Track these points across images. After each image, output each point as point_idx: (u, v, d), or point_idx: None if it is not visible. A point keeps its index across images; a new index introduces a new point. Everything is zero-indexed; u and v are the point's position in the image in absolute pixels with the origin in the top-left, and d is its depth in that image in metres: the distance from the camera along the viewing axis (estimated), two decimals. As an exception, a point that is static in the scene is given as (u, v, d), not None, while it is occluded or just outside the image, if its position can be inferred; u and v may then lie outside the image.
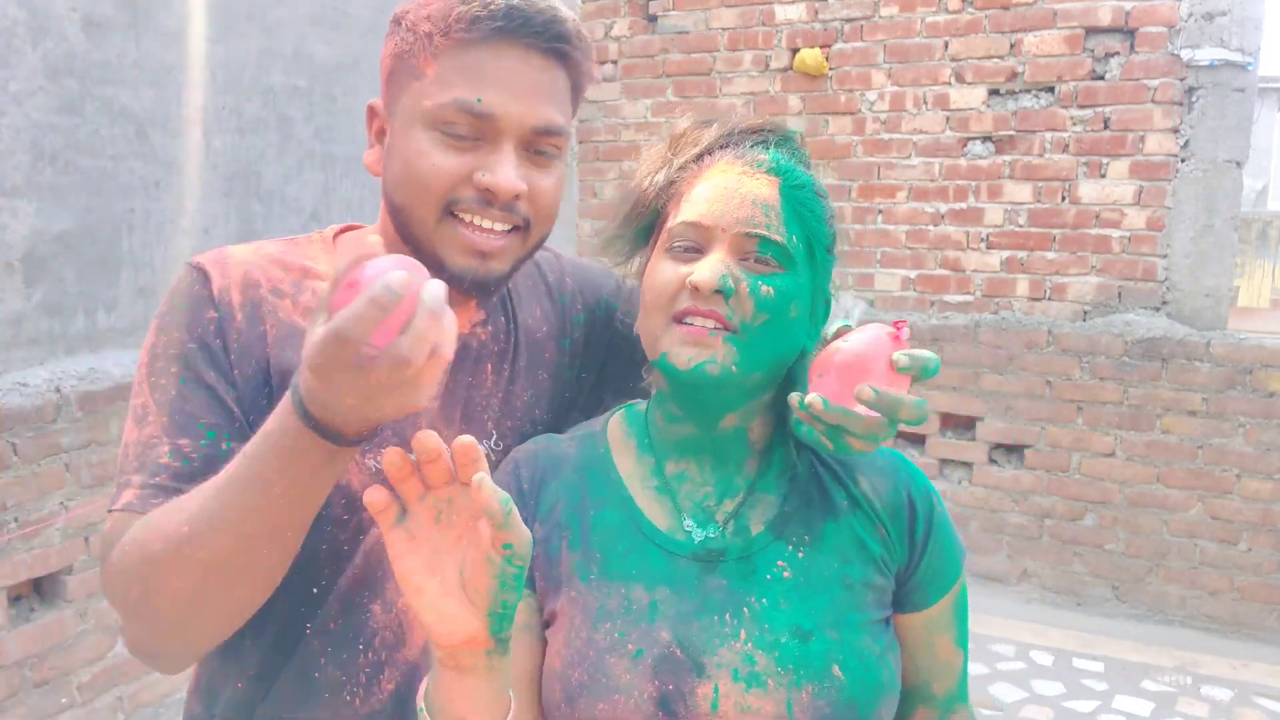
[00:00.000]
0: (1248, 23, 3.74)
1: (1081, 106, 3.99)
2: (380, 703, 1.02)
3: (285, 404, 0.79)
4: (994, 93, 4.14)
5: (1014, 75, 4.09)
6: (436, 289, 0.73)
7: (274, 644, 1.01)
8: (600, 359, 1.18)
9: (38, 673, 2.52)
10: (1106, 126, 3.97)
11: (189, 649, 0.94)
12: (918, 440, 4.30)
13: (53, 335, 2.60)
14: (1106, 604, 4.02)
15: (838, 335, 0.90)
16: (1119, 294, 4.00)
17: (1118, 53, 3.92)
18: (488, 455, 1.02)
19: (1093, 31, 3.95)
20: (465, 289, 0.98)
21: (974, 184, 4.22)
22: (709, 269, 0.87)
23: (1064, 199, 4.06)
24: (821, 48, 4.40)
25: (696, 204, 0.91)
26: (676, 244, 0.92)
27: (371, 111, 1.03)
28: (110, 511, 0.93)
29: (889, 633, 0.95)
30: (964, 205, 4.24)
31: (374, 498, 0.74)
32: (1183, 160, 3.86)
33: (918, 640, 0.99)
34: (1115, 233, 3.98)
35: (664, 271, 0.91)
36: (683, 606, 0.90)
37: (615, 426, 1.03)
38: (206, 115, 2.99)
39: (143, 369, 0.97)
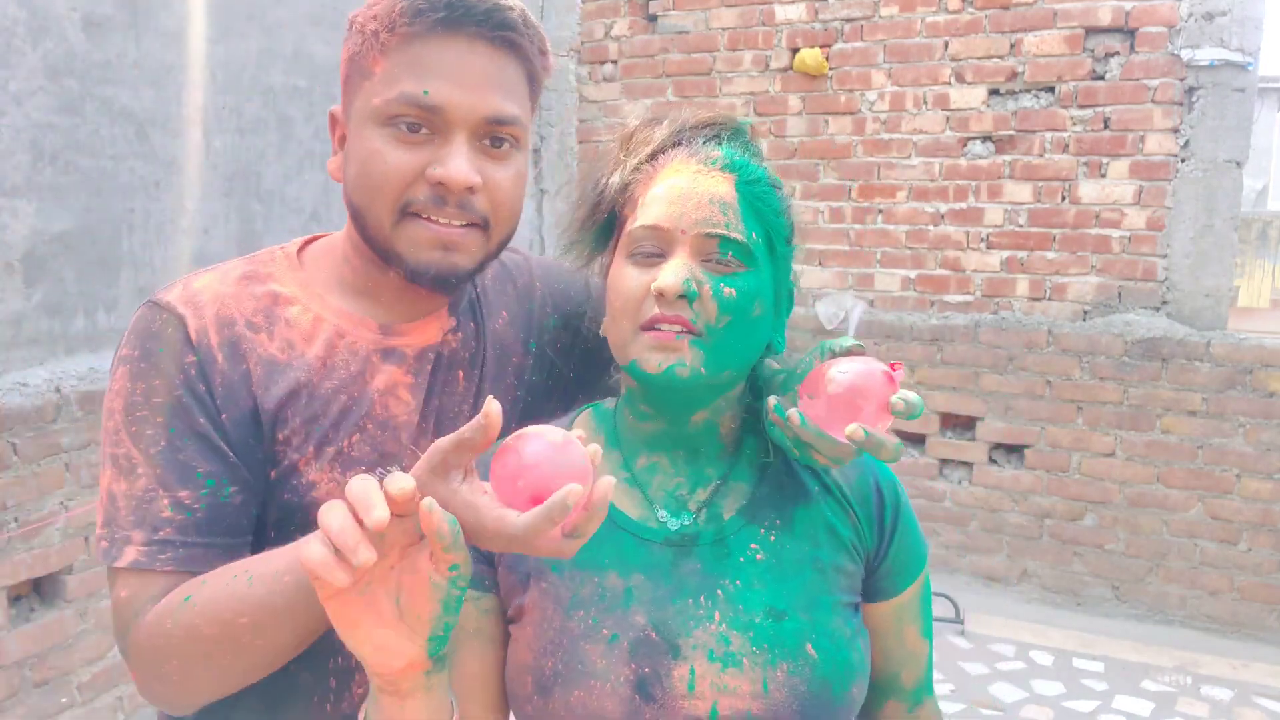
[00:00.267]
0: (1248, 23, 3.73)
1: (1081, 106, 3.99)
2: (351, 708, 1.02)
3: None
4: (994, 93, 4.14)
5: (1014, 75, 4.09)
6: (607, 488, 0.74)
7: None
8: (573, 360, 1.18)
9: (38, 672, 2.52)
10: (1106, 126, 3.96)
11: (210, 701, 0.94)
12: (918, 440, 4.31)
13: (53, 335, 2.60)
14: (1106, 604, 4.02)
15: (842, 352, 0.90)
16: (1119, 294, 4.00)
17: (1118, 53, 3.91)
18: None
19: (1093, 31, 3.95)
20: (429, 284, 0.97)
21: (974, 184, 4.22)
22: (672, 274, 0.87)
23: (1064, 199, 4.06)
24: (821, 48, 4.40)
25: (654, 206, 0.91)
26: (638, 249, 0.91)
27: (333, 119, 1.03)
28: (114, 569, 0.92)
29: (858, 618, 0.97)
30: (964, 205, 4.24)
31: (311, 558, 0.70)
32: (1183, 160, 3.86)
33: (888, 629, 1.01)
34: (1115, 233, 3.98)
35: (628, 278, 0.91)
36: (658, 591, 0.91)
37: (582, 424, 1.03)
38: (206, 115, 2.99)
39: (118, 416, 0.95)
